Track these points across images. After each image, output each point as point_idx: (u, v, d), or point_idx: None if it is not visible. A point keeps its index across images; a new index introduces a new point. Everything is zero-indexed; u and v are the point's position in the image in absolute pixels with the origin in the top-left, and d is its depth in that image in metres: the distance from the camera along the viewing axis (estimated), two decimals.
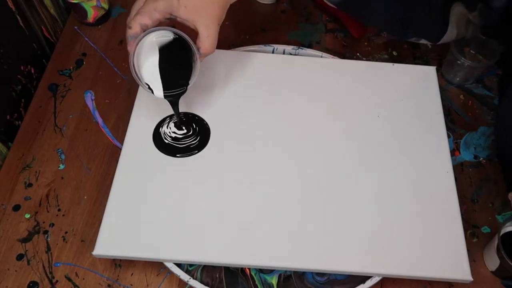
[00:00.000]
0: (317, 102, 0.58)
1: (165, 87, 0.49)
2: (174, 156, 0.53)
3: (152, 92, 0.49)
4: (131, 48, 0.46)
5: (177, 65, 0.49)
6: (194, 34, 0.47)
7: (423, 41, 0.59)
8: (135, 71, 0.47)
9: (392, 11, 0.49)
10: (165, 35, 0.47)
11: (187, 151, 0.53)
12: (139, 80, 0.48)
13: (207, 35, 0.46)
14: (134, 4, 0.47)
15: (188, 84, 0.49)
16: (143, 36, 0.45)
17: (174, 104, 0.52)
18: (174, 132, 0.55)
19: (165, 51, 0.48)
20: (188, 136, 0.54)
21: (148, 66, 0.48)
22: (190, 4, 0.44)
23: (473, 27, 0.54)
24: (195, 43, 0.47)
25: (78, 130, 0.60)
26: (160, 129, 0.55)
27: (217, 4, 0.45)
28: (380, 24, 0.55)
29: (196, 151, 0.53)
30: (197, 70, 0.48)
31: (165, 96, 0.49)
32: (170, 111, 0.53)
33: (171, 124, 0.55)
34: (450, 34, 0.54)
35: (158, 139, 0.54)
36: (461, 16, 0.52)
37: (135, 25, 0.44)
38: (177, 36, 0.47)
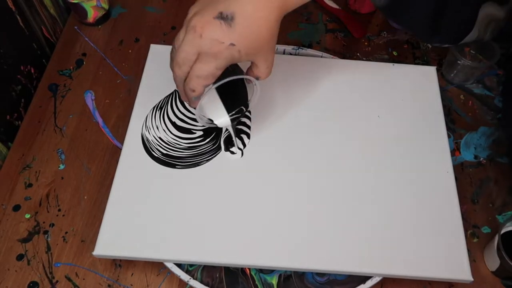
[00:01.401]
0: (317, 102, 0.58)
1: (229, 112, 0.49)
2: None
3: (215, 125, 0.49)
4: (196, 105, 0.45)
5: (235, 92, 0.49)
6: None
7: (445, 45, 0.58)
8: (200, 115, 0.47)
9: (426, 8, 0.50)
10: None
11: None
12: (203, 119, 0.48)
13: (266, 66, 0.44)
14: (182, 53, 0.41)
15: (247, 105, 0.49)
16: (207, 92, 0.44)
17: (233, 126, 0.52)
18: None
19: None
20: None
21: (207, 104, 0.48)
22: (251, 51, 0.41)
23: (492, 30, 0.54)
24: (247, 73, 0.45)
25: (78, 130, 0.60)
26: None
27: (273, 39, 0.43)
28: (415, 25, 0.54)
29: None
30: (257, 91, 0.47)
31: (232, 120, 0.49)
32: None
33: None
34: (471, 35, 0.54)
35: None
36: (486, 16, 0.51)
37: (199, 88, 0.42)
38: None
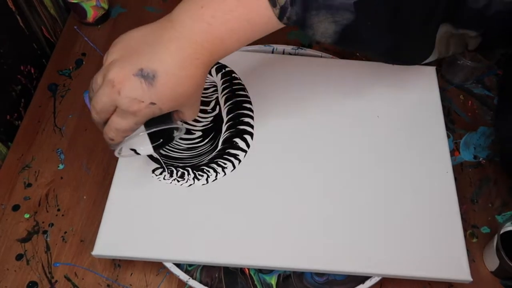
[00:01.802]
0: (317, 102, 0.58)
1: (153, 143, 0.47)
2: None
3: (140, 154, 0.47)
4: (116, 152, 0.44)
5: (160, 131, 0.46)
6: None
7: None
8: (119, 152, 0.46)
9: (386, 42, 0.48)
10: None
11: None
12: (119, 152, 0.46)
13: (191, 113, 0.43)
14: (99, 104, 0.39)
15: (173, 139, 0.47)
16: (128, 139, 0.43)
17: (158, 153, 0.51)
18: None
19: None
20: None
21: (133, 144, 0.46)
22: (172, 107, 0.40)
23: (455, 46, 0.54)
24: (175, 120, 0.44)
25: (78, 130, 0.60)
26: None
27: (198, 91, 0.41)
28: (373, 55, 0.54)
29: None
30: (183, 129, 0.46)
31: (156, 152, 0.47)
32: None
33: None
34: (433, 55, 0.54)
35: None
36: (444, 35, 0.52)
37: (118, 139, 0.41)
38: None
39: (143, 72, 0.37)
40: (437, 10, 0.44)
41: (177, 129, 0.45)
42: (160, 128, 0.42)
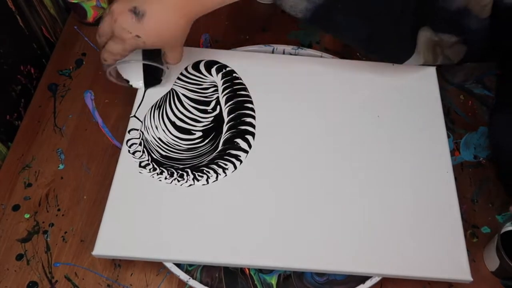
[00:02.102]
0: (317, 102, 0.58)
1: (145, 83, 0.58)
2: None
3: (131, 86, 0.58)
4: (108, 73, 0.54)
5: (151, 70, 0.56)
6: None
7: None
8: (110, 76, 0.56)
9: (358, 30, 0.52)
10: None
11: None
12: (116, 78, 0.57)
13: (173, 57, 0.52)
14: (102, 26, 0.49)
15: (160, 81, 0.58)
16: (119, 63, 0.53)
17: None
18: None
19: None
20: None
21: (128, 69, 0.57)
22: (154, 44, 0.49)
23: (443, 56, 0.55)
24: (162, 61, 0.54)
25: (78, 130, 0.60)
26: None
27: (179, 37, 0.49)
28: (348, 41, 0.57)
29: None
30: (166, 72, 0.56)
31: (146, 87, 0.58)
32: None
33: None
34: (416, 58, 0.56)
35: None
36: (428, 41, 0.53)
37: (110, 61, 0.51)
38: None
39: (136, 10, 0.46)
40: (407, 7, 0.49)
41: (162, 72, 0.57)
42: (148, 63, 0.54)
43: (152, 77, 0.58)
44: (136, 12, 0.46)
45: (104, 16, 0.49)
